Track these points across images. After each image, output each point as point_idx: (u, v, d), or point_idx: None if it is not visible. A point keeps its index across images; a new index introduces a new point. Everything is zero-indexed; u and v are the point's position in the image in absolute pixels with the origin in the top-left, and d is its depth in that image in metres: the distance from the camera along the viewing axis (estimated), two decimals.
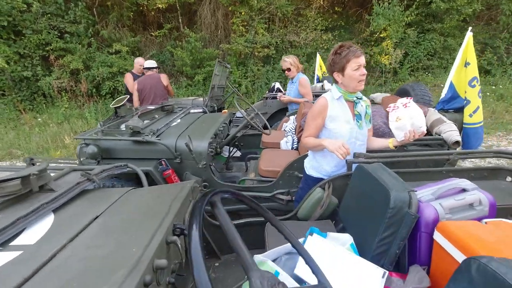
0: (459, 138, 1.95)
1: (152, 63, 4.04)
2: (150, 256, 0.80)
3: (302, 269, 1.04)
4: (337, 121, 1.72)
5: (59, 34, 7.77)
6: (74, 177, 1.35)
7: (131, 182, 2.29)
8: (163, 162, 2.29)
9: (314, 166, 1.87)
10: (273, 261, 1.13)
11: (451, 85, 2.30)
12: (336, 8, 10.77)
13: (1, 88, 7.54)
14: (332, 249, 1.12)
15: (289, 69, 3.32)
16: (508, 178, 1.65)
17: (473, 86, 2.18)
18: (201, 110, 3.76)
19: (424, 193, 1.16)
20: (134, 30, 9.36)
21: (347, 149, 1.52)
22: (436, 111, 2.35)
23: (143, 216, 1.08)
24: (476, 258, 0.73)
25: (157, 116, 2.89)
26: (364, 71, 1.67)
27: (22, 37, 7.42)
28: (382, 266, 1.10)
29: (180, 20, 9.63)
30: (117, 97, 3.09)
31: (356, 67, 1.64)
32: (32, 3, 7.27)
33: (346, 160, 1.70)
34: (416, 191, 1.17)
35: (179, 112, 3.15)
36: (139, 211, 1.14)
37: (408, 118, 1.69)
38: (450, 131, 2.00)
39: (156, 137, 2.36)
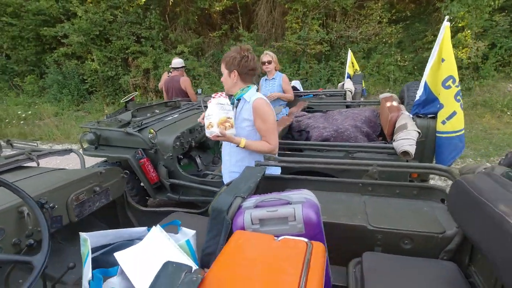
0: (408, 148, 1.66)
1: (177, 63, 4.34)
2: None
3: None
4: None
5: (136, 39, 9.16)
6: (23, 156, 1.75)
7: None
8: (139, 152, 2.61)
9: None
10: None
11: (426, 85, 1.91)
12: None
13: (95, 86, 9.35)
14: (159, 241, 1.19)
15: (270, 62, 3.33)
16: (440, 201, 1.38)
17: (448, 87, 1.77)
18: None
19: (252, 200, 1.10)
20: (199, 32, 10.26)
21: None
22: (410, 115, 2.02)
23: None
24: None
25: (157, 111, 3.26)
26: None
27: (109, 43, 9.03)
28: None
29: (240, 21, 10.10)
30: None
31: None
32: (117, 14, 8.76)
33: (255, 162, 1.67)
34: (244, 197, 1.13)
35: (182, 108, 3.46)
36: (28, 185, 1.41)
37: (206, 116, 1.56)
38: (402, 140, 1.71)
39: (140, 129, 2.70)
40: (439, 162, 1.86)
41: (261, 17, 9.62)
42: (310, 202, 1.04)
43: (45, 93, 9.53)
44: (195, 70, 8.99)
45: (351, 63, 4.75)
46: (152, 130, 2.49)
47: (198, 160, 3.03)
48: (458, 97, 1.78)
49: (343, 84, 4.17)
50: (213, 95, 1.58)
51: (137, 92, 3.41)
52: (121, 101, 3.34)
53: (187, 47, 9.25)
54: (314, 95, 4.09)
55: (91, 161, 3.30)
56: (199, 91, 5.31)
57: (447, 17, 1.88)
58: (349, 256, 1.24)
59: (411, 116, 2.01)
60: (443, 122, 1.80)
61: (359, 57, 8.42)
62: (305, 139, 2.33)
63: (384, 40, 8.57)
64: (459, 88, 1.78)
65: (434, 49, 1.86)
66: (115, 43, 8.94)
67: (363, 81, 4.91)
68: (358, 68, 5.03)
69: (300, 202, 1.03)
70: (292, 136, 2.44)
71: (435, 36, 7.76)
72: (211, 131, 1.52)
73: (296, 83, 4.45)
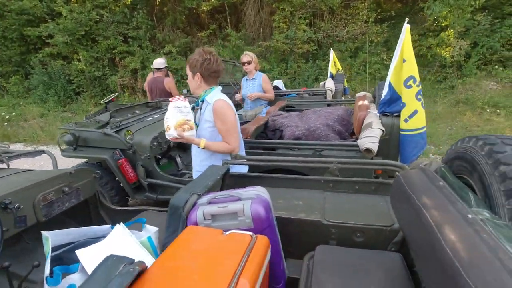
0: (370, 146, 1.72)
1: (159, 63, 4.34)
2: None
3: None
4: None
5: (123, 39, 9.10)
6: None
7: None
8: (117, 152, 2.63)
9: None
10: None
11: (390, 85, 1.98)
12: None
13: (81, 86, 9.26)
14: (121, 238, 1.22)
15: (249, 62, 3.38)
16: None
17: (409, 87, 1.84)
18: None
19: (207, 197, 1.15)
20: (188, 31, 10.23)
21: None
22: (377, 114, 2.09)
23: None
24: None
25: (138, 112, 3.27)
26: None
27: (96, 43, 8.95)
28: None
29: (228, 20, 10.12)
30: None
31: None
32: (103, 14, 8.68)
33: (222, 161, 1.72)
34: (200, 194, 1.18)
35: (163, 108, 3.48)
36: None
37: (165, 119, 1.64)
38: (365, 138, 1.78)
39: (118, 130, 2.72)
40: (402, 159, 1.93)
41: (249, 17, 9.66)
42: (260, 198, 1.09)
43: (30, 94, 9.40)
44: (183, 70, 8.98)
45: (334, 63, 4.82)
46: (129, 131, 2.52)
47: (178, 159, 3.06)
48: (419, 96, 1.86)
49: (324, 83, 4.24)
50: (170, 99, 1.64)
51: (117, 93, 3.44)
52: (101, 102, 3.35)
53: (175, 47, 9.23)
54: (296, 94, 4.15)
55: (71, 162, 3.30)
56: (185, 91, 5.33)
57: (407, 19, 1.95)
58: (306, 249, 1.30)
59: (378, 114, 2.08)
60: (406, 120, 1.87)
61: (345, 56, 8.53)
62: (279, 137, 2.39)
63: (370, 39, 8.68)
64: (420, 87, 1.86)
65: (396, 50, 1.93)
66: (101, 43, 8.86)
67: (345, 80, 4.99)
68: (340, 68, 5.11)
69: (250, 198, 1.08)
70: (266, 135, 2.49)
71: (420, 35, 7.86)
72: (169, 134, 1.59)
73: (279, 82, 4.50)
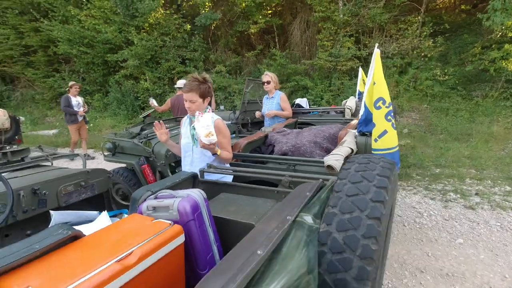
0: (332, 163, 1.81)
1: (181, 83, 4.98)
2: None
3: None
4: (182, 136, 2.22)
5: (181, 61, 10.28)
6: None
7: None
8: (142, 159, 3.14)
9: None
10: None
11: (365, 106, 2.01)
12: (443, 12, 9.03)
13: (146, 102, 10.67)
14: (102, 224, 1.59)
15: (268, 82, 3.63)
16: None
17: (378, 108, 1.86)
18: (229, 122, 4.45)
19: (158, 194, 1.44)
20: (238, 52, 11.04)
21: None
22: (356, 134, 2.14)
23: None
24: None
25: (167, 126, 3.81)
26: (188, 105, 2.07)
27: (159, 65, 10.31)
28: None
29: (276, 40, 10.63)
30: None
31: (184, 99, 2.08)
32: (166, 40, 10.01)
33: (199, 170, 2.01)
34: (153, 191, 1.48)
35: None
36: (32, 176, 1.97)
37: (198, 127, 1.86)
38: (331, 155, 1.88)
39: (147, 140, 3.24)
40: None
41: (295, 37, 10.01)
42: (189, 197, 1.34)
43: (107, 109, 11.18)
44: (231, 87, 9.69)
45: (362, 81, 4.76)
46: (150, 142, 3.01)
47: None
48: (389, 117, 1.87)
49: (346, 101, 4.26)
50: (198, 113, 1.94)
51: (153, 109, 4.16)
52: (140, 117, 3.99)
53: (225, 66, 10.06)
54: (319, 112, 4.26)
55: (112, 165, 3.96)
56: (222, 107, 5.84)
57: (377, 44, 2.00)
58: None
59: (357, 133, 2.14)
60: (375, 140, 1.90)
61: (392, 72, 8.17)
62: (270, 152, 2.58)
63: (423, 54, 8.17)
64: (390, 108, 1.88)
65: (369, 72, 2.00)
66: (163, 64, 10.16)
67: None
68: None
69: (181, 197, 1.34)
70: (260, 149, 2.70)
71: (484, 48, 7.13)
72: (212, 139, 1.87)
73: (302, 101, 4.65)
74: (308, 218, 0.92)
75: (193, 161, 2.16)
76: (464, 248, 2.60)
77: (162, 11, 10.20)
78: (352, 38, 8.71)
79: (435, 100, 7.83)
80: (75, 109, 5.76)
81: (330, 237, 0.89)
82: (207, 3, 10.23)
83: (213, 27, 10.59)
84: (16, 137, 4.36)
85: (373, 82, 1.92)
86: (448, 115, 7.25)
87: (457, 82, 7.76)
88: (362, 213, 0.91)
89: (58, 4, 10.88)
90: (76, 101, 5.85)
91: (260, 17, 9.77)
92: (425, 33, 8.16)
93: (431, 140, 6.01)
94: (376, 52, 1.95)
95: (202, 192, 1.43)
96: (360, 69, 4.81)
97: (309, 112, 4.37)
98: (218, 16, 9.63)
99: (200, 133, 1.88)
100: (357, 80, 4.96)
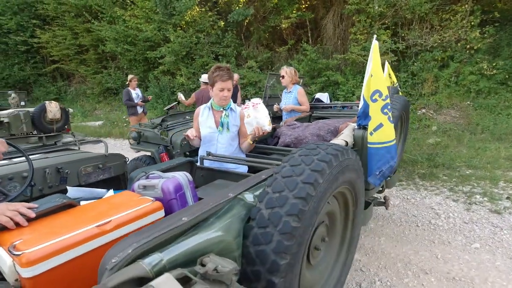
0: None
1: (206, 77, 5.13)
2: None
3: None
4: (202, 126, 2.20)
5: (214, 57, 10.61)
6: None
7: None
8: (160, 147, 3.39)
9: None
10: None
11: (364, 99, 1.96)
12: None
13: None
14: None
15: (283, 76, 3.68)
16: None
17: (374, 101, 1.80)
18: None
19: (150, 175, 1.60)
20: (270, 47, 11.07)
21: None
22: (356, 127, 2.11)
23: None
24: None
25: (188, 117, 4.04)
26: (226, 94, 2.06)
27: (193, 61, 10.75)
28: None
29: (309, 35, 10.46)
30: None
31: (220, 88, 2.06)
32: (201, 37, 10.39)
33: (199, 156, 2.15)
34: (146, 172, 1.64)
35: None
36: (59, 157, 2.26)
37: (253, 117, 1.95)
38: None
39: (163, 131, 3.48)
40: (368, 171, 1.91)
41: (328, 30, 9.76)
42: (174, 179, 1.48)
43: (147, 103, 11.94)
44: (261, 82, 9.78)
45: (389, 75, 4.54)
46: (165, 132, 3.23)
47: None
48: (386, 110, 1.82)
49: None
50: (254, 101, 2.09)
51: (176, 102, 4.45)
52: (164, 109, 4.27)
53: (256, 62, 10.17)
54: (335, 106, 4.20)
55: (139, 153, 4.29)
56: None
57: (375, 36, 1.93)
58: None
59: (356, 127, 2.10)
60: (371, 133, 1.86)
61: (431, 66, 7.61)
62: (275, 144, 2.64)
63: (468, 46, 7.48)
64: (387, 101, 1.82)
65: (368, 64, 1.95)
66: (198, 60, 10.58)
67: (399, 92, 4.63)
68: (395, 81, 4.74)
69: (166, 178, 1.49)
70: (266, 141, 2.77)
71: None
72: (265, 129, 2.06)
73: (323, 95, 4.59)
74: (249, 196, 0.99)
75: (217, 150, 2.18)
76: (479, 253, 2.43)
77: (198, 9, 10.59)
78: (388, 30, 8.25)
79: (480, 97, 7.17)
80: (135, 101, 6.04)
81: (259, 213, 0.96)
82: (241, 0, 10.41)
83: (246, 23, 10.74)
84: (66, 126, 5.00)
85: (371, 75, 1.89)
86: (494, 113, 6.60)
87: (507, 76, 7.02)
88: (290, 192, 0.96)
89: (106, 6, 11.84)
90: (136, 93, 6.24)
91: (294, 11, 9.69)
92: (472, 23, 7.46)
93: (468, 140, 5.54)
94: (374, 44, 1.90)
95: (188, 175, 1.56)
96: (386, 63, 4.59)
97: (330, 107, 4.31)
98: (250, 12, 9.75)
99: (264, 122, 2.02)
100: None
